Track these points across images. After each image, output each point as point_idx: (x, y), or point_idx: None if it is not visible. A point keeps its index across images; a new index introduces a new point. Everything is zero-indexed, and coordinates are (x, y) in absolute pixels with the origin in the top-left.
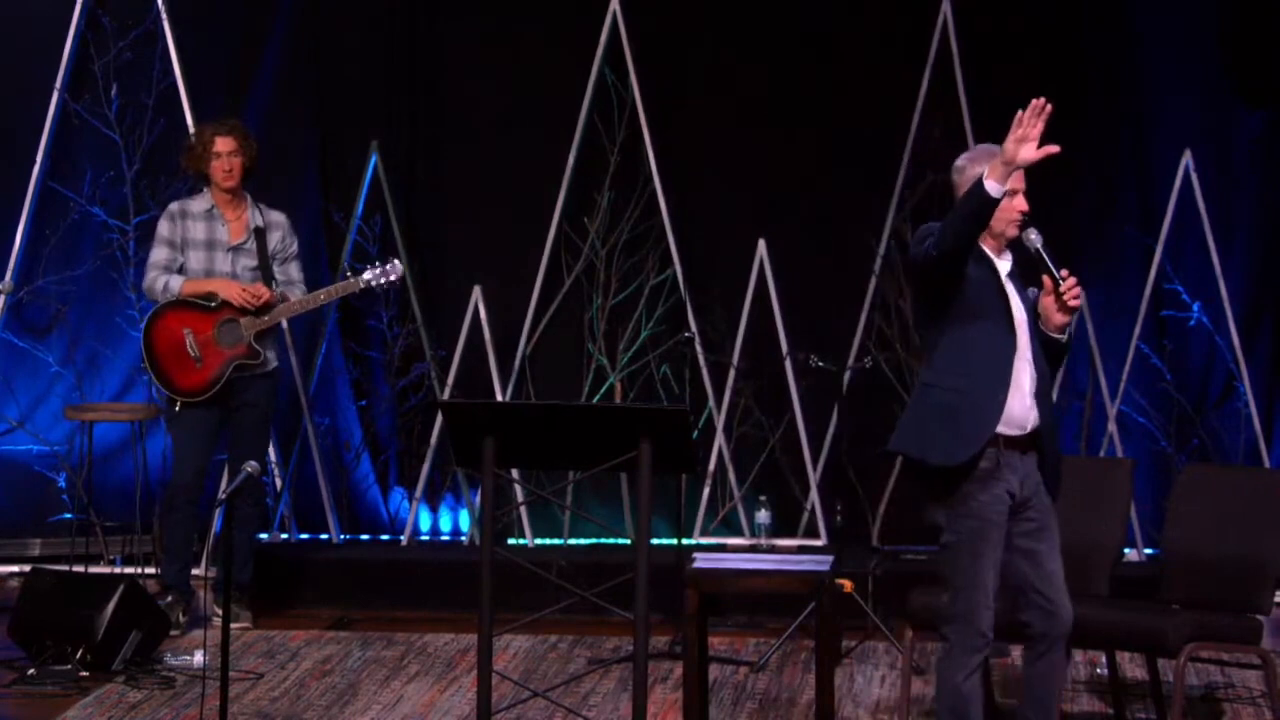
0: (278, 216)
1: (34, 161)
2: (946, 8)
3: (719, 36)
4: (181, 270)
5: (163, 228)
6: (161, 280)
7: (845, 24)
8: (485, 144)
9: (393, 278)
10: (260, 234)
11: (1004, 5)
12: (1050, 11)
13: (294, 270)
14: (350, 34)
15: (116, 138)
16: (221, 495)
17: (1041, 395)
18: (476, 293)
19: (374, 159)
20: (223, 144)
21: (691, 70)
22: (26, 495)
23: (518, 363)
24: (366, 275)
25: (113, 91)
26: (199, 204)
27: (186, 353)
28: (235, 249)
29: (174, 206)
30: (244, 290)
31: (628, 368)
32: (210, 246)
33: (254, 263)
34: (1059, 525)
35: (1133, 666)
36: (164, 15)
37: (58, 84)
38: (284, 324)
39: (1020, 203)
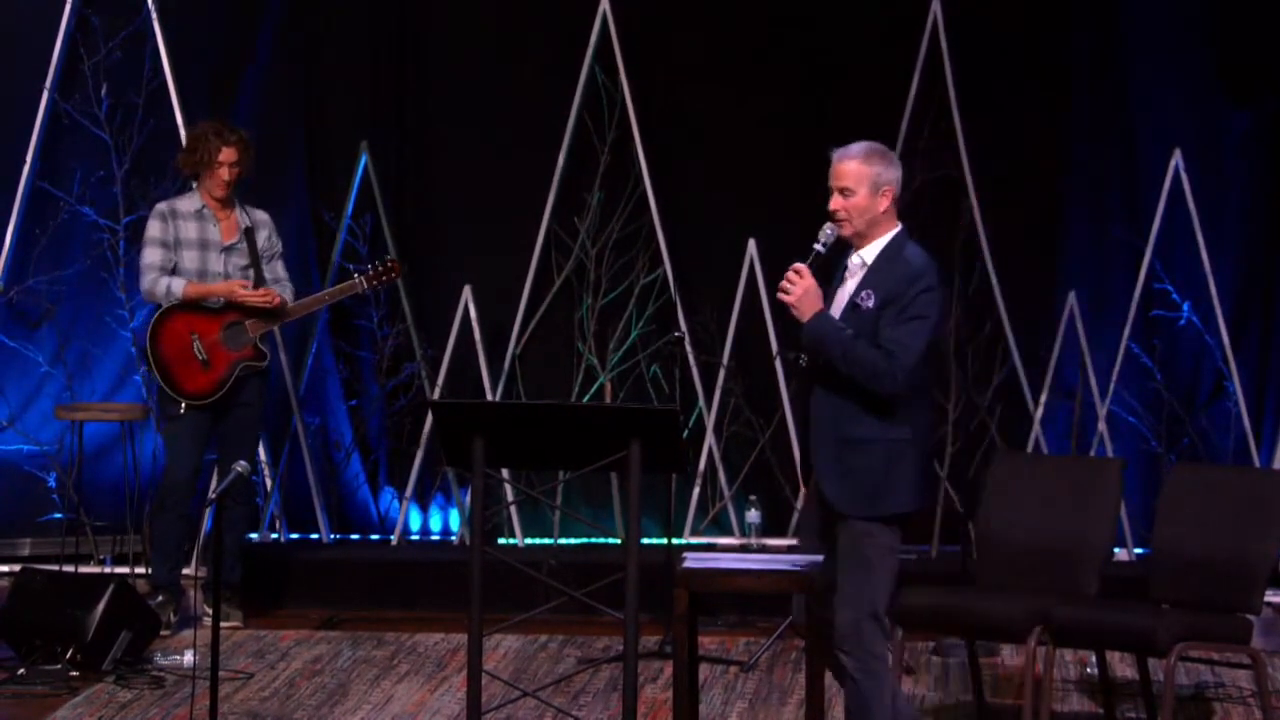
0: (262, 215)
1: (24, 161)
2: (936, 8)
3: (709, 36)
4: (175, 270)
5: (154, 228)
6: (163, 283)
7: (835, 25)
8: (475, 143)
9: (394, 275)
10: (250, 233)
11: (993, 6)
12: (1039, 12)
13: (280, 268)
14: (339, 33)
15: (106, 137)
16: (212, 495)
17: (817, 408)
18: (467, 292)
19: (364, 158)
20: (227, 155)
21: (682, 69)
22: (16, 495)
23: (508, 362)
24: (369, 273)
25: (102, 91)
26: (188, 203)
27: (194, 355)
28: (228, 249)
29: (163, 206)
30: (253, 293)
31: (618, 367)
32: (203, 246)
33: (245, 262)
34: (1046, 524)
35: (1123, 666)
36: (154, 15)
37: (47, 84)
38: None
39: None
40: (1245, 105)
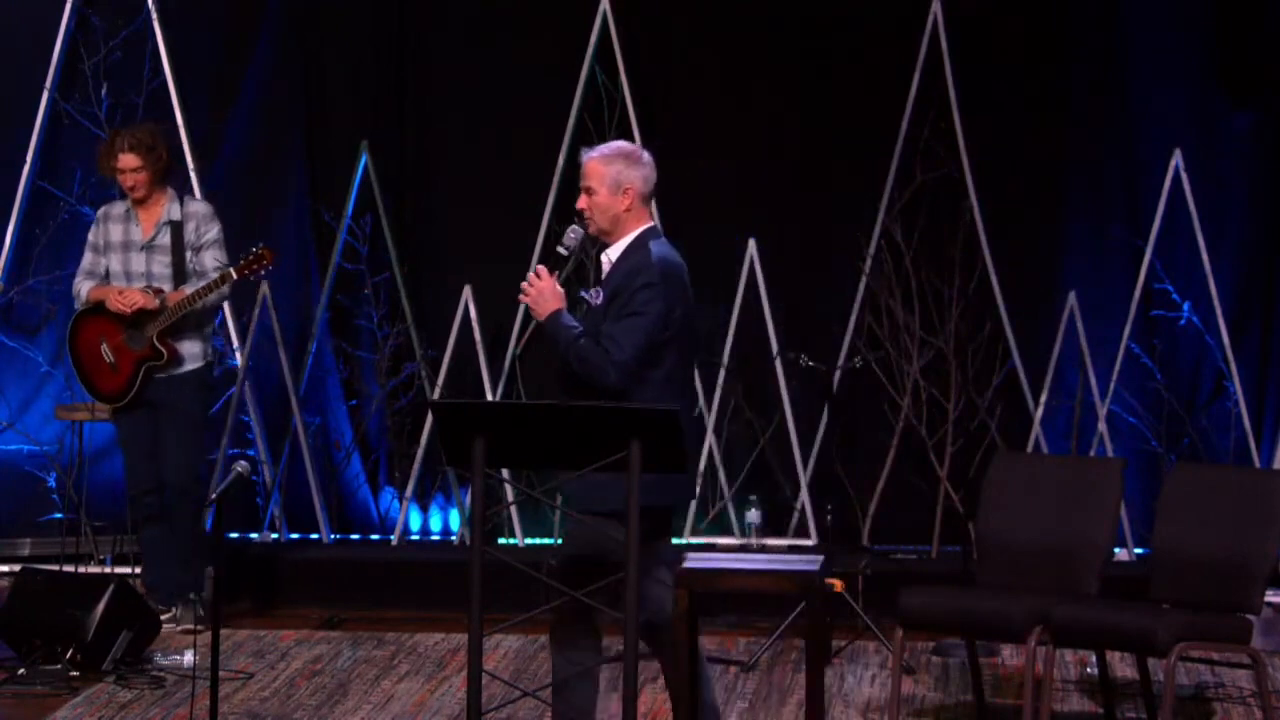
0: (195, 207)
1: (24, 161)
2: (937, 8)
3: (709, 36)
4: (107, 273)
5: (90, 232)
6: (78, 286)
7: (836, 24)
8: (475, 143)
9: (265, 264)
10: (176, 228)
11: (993, 5)
12: (1039, 11)
13: (207, 259)
14: (339, 33)
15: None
16: (212, 496)
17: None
18: (467, 292)
19: (364, 158)
20: (124, 161)
21: (682, 69)
22: (16, 495)
23: (508, 362)
24: (239, 263)
25: (103, 91)
26: (120, 206)
27: (103, 358)
28: (147, 248)
29: (101, 210)
30: (118, 297)
31: None
32: (126, 248)
33: (168, 259)
34: (1046, 524)
35: (1123, 666)
36: (154, 15)
37: (47, 84)
38: (273, 320)
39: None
40: (1245, 105)
